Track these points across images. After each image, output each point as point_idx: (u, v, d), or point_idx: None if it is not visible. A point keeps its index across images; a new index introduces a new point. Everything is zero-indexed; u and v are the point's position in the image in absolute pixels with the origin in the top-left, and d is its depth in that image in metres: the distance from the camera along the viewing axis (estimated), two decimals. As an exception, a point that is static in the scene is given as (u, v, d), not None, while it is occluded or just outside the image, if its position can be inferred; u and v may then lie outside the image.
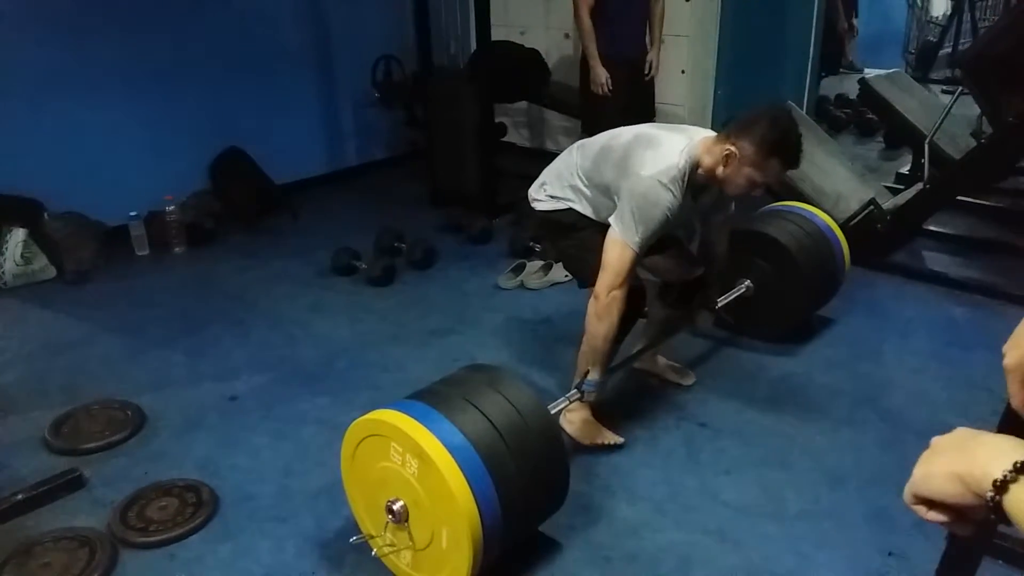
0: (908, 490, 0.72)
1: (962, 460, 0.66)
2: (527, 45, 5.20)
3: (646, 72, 4.22)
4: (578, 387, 2.38)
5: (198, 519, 2.21)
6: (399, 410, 1.83)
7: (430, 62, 4.95)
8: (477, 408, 1.85)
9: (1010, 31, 4.00)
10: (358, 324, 3.46)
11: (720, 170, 2.21)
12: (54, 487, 2.33)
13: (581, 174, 2.41)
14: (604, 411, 2.61)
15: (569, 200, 2.45)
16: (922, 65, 7.94)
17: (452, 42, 6.00)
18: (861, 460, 2.46)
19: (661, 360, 2.95)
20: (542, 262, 3.83)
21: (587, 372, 2.37)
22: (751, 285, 3.05)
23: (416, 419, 1.78)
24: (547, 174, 2.55)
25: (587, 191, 2.41)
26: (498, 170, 4.77)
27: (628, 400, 2.80)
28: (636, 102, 4.21)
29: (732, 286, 3.04)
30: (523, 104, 5.77)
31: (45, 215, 3.95)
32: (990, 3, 8.52)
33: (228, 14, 4.72)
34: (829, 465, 2.45)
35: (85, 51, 4.11)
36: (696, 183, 2.28)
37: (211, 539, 2.18)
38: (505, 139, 5.48)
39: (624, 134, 2.37)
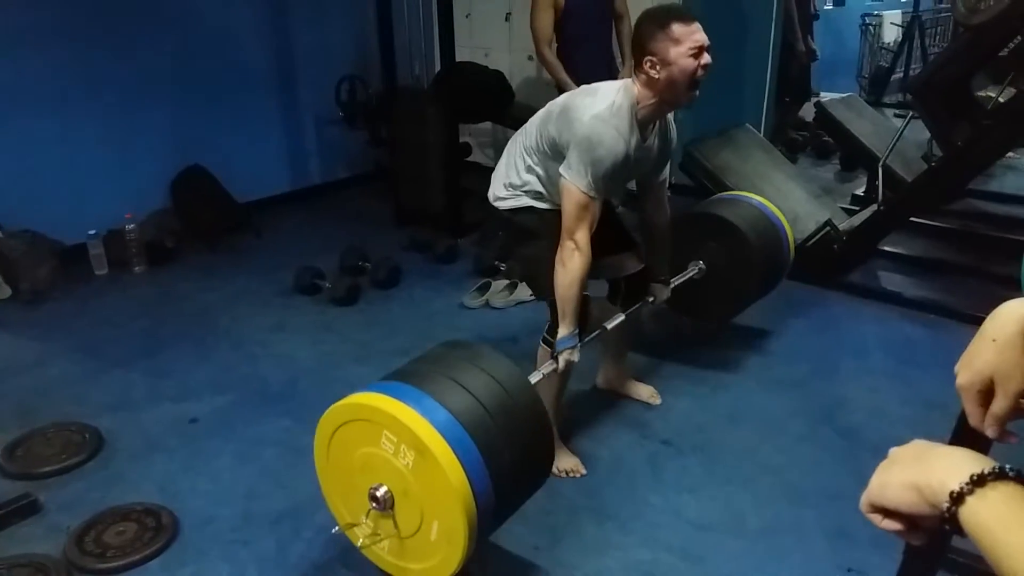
0: (865, 499, 0.72)
1: (919, 471, 0.67)
2: (491, 66, 5.23)
3: None
4: (546, 342, 2.41)
5: (157, 544, 2.17)
6: (389, 394, 1.74)
7: (394, 82, 4.96)
8: (466, 389, 1.78)
9: (956, 59, 4.15)
10: (321, 344, 3.43)
11: (659, 80, 2.22)
12: (7, 512, 2.27)
13: (527, 152, 2.43)
14: (569, 429, 2.62)
15: (526, 186, 2.44)
16: (875, 89, 8.15)
17: (416, 62, 6.03)
18: (820, 476, 2.50)
19: (629, 380, 2.97)
20: (507, 281, 3.84)
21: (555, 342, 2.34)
22: (703, 267, 3.07)
23: (412, 407, 1.69)
24: (497, 171, 2.57)
25: (539, 168, 2.40)
26: (463, 190, 4.77)
27: (593, 419, 2.82)
28: None
29: (685, 267, 3.05)
30: (488, 124, 5.81)
31: (0, 233, 3.87)
32: (939, 31, 8.80)
33: (191, 31, 4.69)
34: (789, 481, 2.48)
35: (44, 66, 4.05)
36: (642, 120, 2.30)
37: (171, 564, 2.14)
38: (470, 159, 5.50)
39: (558, 98, 2.42)
